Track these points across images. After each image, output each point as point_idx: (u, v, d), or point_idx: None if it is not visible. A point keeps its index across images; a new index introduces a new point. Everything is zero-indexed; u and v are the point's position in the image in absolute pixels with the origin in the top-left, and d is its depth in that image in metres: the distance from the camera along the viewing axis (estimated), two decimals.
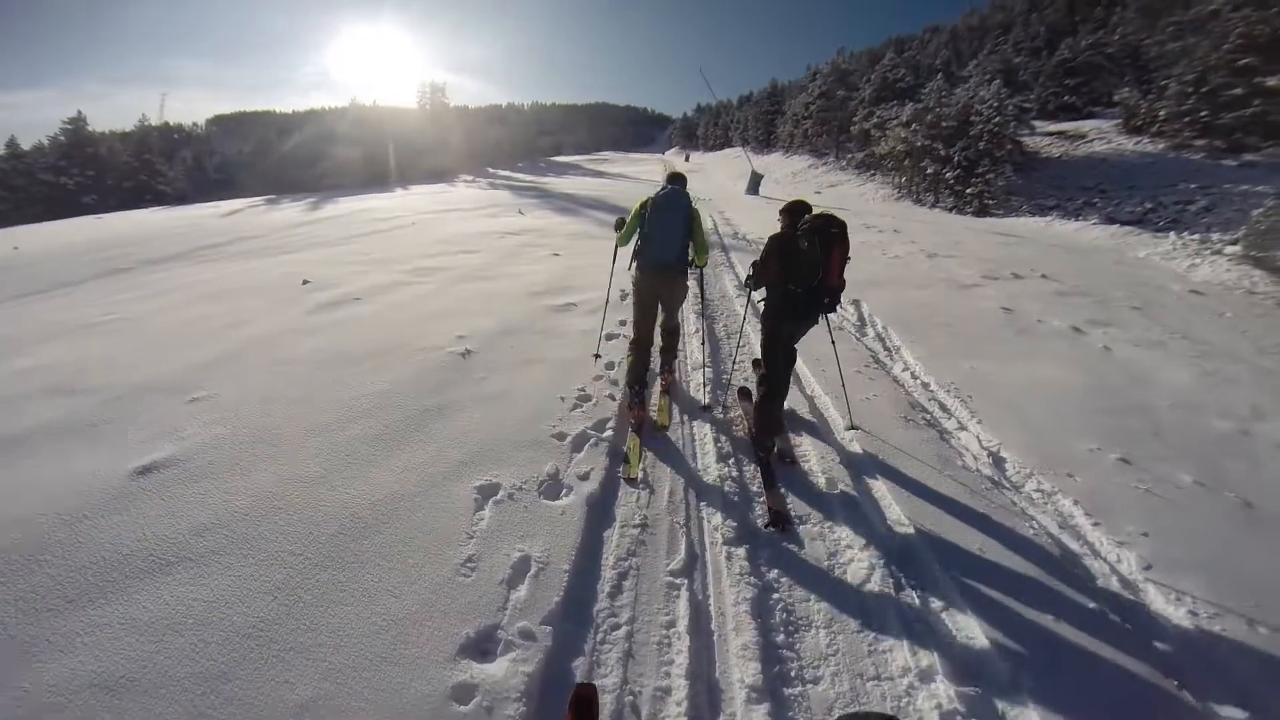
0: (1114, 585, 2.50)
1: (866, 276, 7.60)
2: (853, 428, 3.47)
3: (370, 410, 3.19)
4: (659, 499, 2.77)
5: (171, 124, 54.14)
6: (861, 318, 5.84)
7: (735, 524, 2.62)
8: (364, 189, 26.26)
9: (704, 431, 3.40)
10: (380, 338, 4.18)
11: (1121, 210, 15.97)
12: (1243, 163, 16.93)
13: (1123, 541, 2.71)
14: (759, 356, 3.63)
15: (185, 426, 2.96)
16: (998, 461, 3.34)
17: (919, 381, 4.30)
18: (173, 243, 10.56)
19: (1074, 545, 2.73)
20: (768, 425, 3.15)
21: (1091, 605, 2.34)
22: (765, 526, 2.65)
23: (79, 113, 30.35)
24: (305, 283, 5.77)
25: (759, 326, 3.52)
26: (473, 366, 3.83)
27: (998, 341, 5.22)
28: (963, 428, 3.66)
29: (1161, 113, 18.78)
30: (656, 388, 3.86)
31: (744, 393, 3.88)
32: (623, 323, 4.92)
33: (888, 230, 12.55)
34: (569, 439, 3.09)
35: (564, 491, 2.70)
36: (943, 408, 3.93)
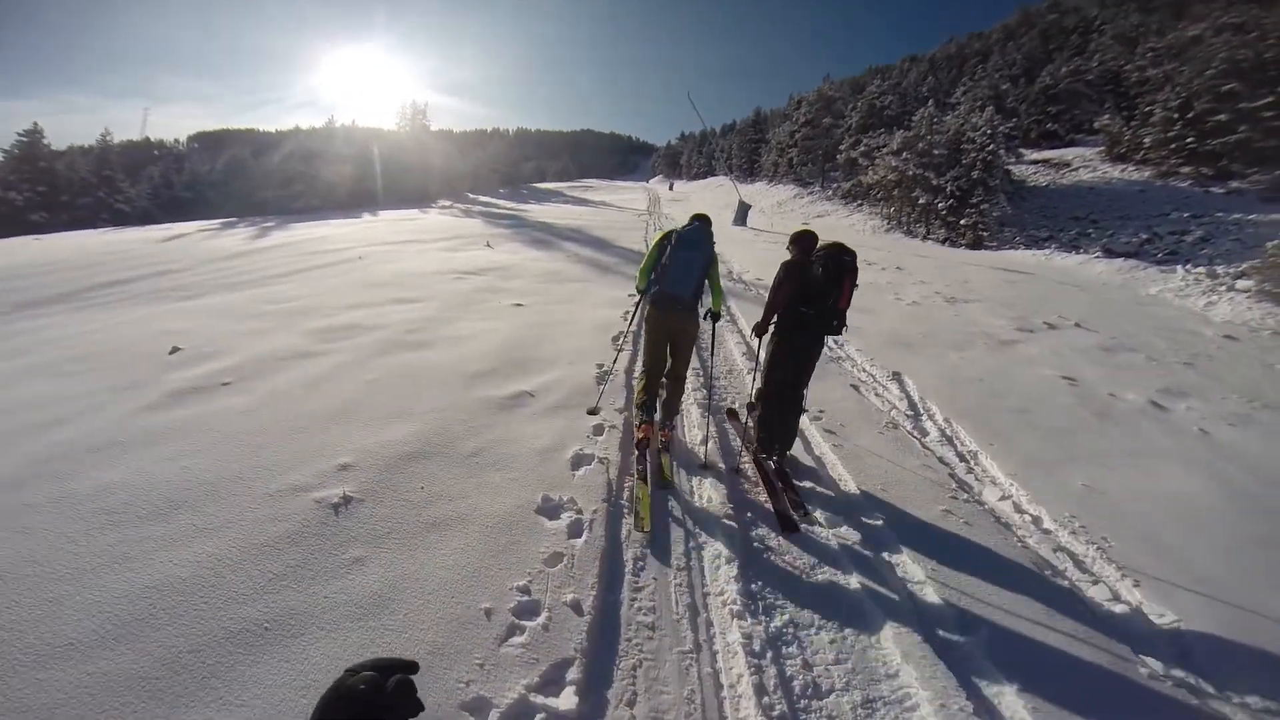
0: None
1: (893, 331, 6.50)
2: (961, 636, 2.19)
3: (144, 623, 1.80)
4: None
5: (152, 139, 52.01)
6: (912, 403, 4.59)
7: None
8: (330, 213, 24.76)
9: (723, 619, 2.09)
10: (225, 462, 2.74)
11: (1117, 241, 15.57)
12: (1230, 190, 16.79)
13: None
14: (749, 401, 3.56)
15: None
16: (1187, 656, 2.11)
17: (1027, 517, 3.04)
18: (73, 276, 8.93)
19: None
20: (769, 438, 3.25)
21: None
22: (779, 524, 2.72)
23: (35, 124, 28.04)
24: (174, 351, 4.33)
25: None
26: (347, 531, 2.32)
27: (1088, 433, 4.04)
28: (1116, 598, 2.43)
29: (1146, 140, 18.57)
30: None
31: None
32: (597, 431, 3.56)
33: (890, 267, 11.63)
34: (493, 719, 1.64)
35: None
36: (1077, 563, 2.69)
